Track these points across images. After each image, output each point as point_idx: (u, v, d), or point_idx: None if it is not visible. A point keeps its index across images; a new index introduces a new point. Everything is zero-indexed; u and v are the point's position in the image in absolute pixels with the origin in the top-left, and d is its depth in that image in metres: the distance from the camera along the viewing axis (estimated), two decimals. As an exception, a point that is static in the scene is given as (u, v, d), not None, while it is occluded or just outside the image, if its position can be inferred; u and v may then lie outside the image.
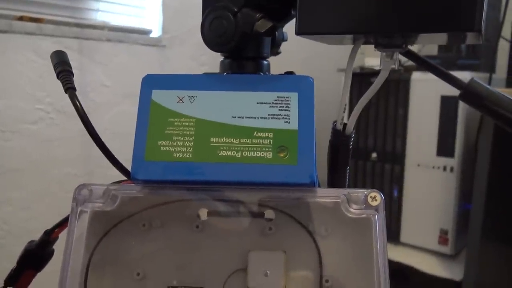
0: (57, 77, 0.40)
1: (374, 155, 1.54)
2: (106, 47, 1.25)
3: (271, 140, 0.32)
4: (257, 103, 0.34)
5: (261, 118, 0.33)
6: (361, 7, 0.38)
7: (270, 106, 0.33)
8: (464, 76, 1.35)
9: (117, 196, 0.32)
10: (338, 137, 0.45)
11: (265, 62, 0.49)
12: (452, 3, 0.35)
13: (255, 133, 0.33)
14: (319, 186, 0.37)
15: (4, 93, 1.06)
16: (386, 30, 0.38)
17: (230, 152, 0.32)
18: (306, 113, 0.33)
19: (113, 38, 1.26)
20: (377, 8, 0.38)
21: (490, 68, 1.32)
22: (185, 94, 0.34)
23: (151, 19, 1.38)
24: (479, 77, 1.30)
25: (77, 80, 1.20)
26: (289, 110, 0.33)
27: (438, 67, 0.47)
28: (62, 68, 0.39)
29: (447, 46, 1.53)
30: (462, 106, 1.35)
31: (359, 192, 0.32)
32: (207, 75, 0.37)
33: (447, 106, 1.37)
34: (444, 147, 1.37)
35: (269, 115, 0.33)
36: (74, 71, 1.21)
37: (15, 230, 1.11)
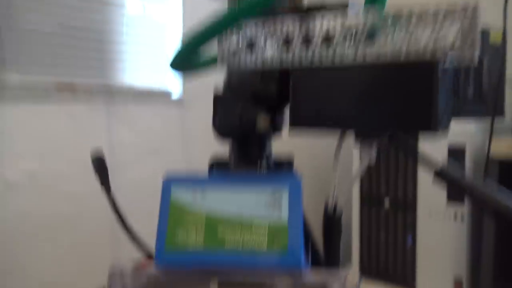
0: (95, 172, 0.48)
1: (386, 203, 1.58)
2: (132, 109, 1.37)
3: (267, 231, 0.40)
4: (255, 199, 0.41)
5: (258, 212, 0.41)
6: (344, 110, 0.46)
7: (265, 202, 0.41)
8: (468, 126, 1.40)
9: (143, 278, 0.40)
10: (329, 217, 0.52)
11: (267, 148, 0.58)
12: (415, 112, 0.43)
13: (254, 224, 0.40)
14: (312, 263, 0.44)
15: (43, 155, 1.17)
16: (362, 128, 0.47)
17: (234, 241, 0.40)
18: (295, 207, 0.41)
19: (138, 100, 1.38)
20: (355, 110, 0.46)
21: (493, 113, 1.37)
22: (198, 192, 0.42)
23: (172, 81, 1.50)
24: (484, 125, 1.36)
25: (105, 141, 1.33)
26: (281, 204, 0.41)
27: (416, 151, 0.54)
28: (99, 165, 0.48)
29: (454, 92, 1.59)
30: (468, 154, 1.39)
31: (341, 276, 0.39)
32: (216, 175, 0.45)
33: (454, 155, 1.41)
34: (454, 193, 1.41)
35: (264, 210, 0.41)
36: (103, 132, 1.34)
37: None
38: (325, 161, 1.73)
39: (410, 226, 1.54)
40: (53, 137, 1.19)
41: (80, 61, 1.26)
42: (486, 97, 1.65)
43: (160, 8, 1.47)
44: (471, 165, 1.40)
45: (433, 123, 0.42)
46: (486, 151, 1.36)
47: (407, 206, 1.54)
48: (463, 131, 1.41)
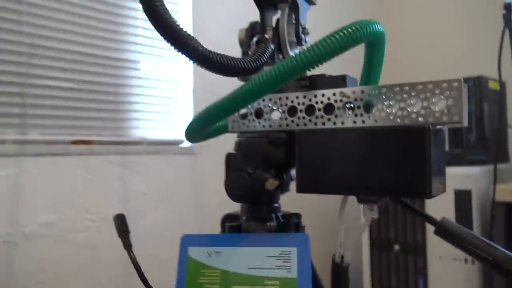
0: (119, 235, 0.52)
1: (396, 247, 1.59)
2: (144, 159, 1.42)
3: (277, 286, 0.43)
4: (266, 256, 0.45)
5: (269, 268, 0.44)
6: (344, 176, 0.51)
7: (276, 259, 0.45)
8: (473, 171, 1.43)
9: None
10: (337, 268, 0.56)
11: (276, 205, 0.62)
12: (409, 178, 0.47)
13: (265, 281, 0.44)
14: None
15: (59, 207, 1.22)
16: (362, 194, 0.51)
17: (246, 297, 0.43)
18: (304, 263, 0.44)
19: (150, 151, 1.44)
20: (354, 177, 0.50)
21: (495, 160, 1.40)
22: (213, 250, 0.46)
23: (182, 130, 1.56)
24: (489, 170, 1.38)
25: (119, 191, 1.39)
26: (290, 262, 0.44)
27: (416, 208, 0.57)
28: (122, 229, 0.52)
29: (457, 142, 1.64)
30: (475, 198, 1.42)
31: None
32: (229, 235, 0.49)
33: (461, 199, 1.44)
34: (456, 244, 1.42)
35: (276, 266, 0.44)
36: (117, 183, 1.39)
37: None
38: (334, 209, 1.75)
39: (421, 270, 1.54)
40: (70, 189, 1.24)
41: (96, 116, 1.33)
42: (489, 143, 1.70)
43: (172, 66, 1.56)
44: (477, 209, 1.42)
45: (427, 191, 0.45)
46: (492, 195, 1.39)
47: (417, 249, 1.54)
48: (469, 175, 1.44)
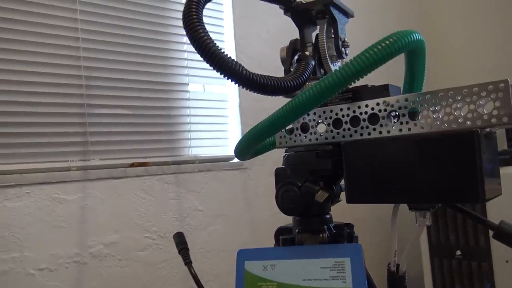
0: (179, 253, 0.56)
1: (458, 252, 1.53)
2: (198, 177, 1.47)
3: (333, 297, 0.44)
4: (321, 267, 0.46)
5: (324, 279, 0.45)
6: (394, 184, 0.51)
7: (330, 270, 0.46)
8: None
9: None
10: (393, 277, 0.56)
11: (328, 216, 0.63)
12: (461, 183, 0.47)
13: (321, 291, 0.45)
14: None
15: (121, 227, 1.28)
16: (412, 201, 0.51)
17: (304, 308, 0.44)
18: (358, 273, 0.45)
19: (203, 169, 1.48)
20: (404, 185, 0.50)
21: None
22: (268, 264, 0.48)
23: (232, 147, 1.60)
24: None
25: (176, 209, 1.44)
26: (345, 272, 0.45)
27: (472, 212, 0.56)
28: (182, 246, 0.55)
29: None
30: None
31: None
32: (283, 248, 0.50)
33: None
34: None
35: (330, 276, 0.45)
36: (173, 201, 1.45)
37: None
38: (388, 216, 1.71)
39: (487, 275, 1.47)
40: (130, 209, 1.31)
41: (150, 139, 1.40)
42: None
43: (218, 86, 1.61)
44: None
45: (481, 196, 0.45)
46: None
47: (481, 254, 1.48)
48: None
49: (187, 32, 0.47)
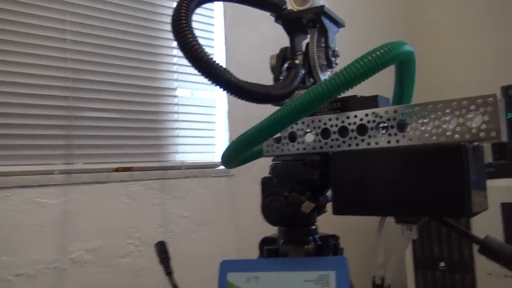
0: (160, 262, 0.54)
1: (442, 264, 1.54)
2: (184, 183, 1.45)
3: (317, 311, 0.43)
4: (304, 280, 0.45)
5: (308, 293, 0.44)
6: (381, 196, 0.50)
7: (314, 283, 0.45)
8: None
9: None
10: (378, 290, 0.55)
11: (313, 227, 0.62)
12: (448, 197, 0.46)
13: (305, 305, 0.44)
14: None
15: (103, 233, 1.26)
16: (399, 215, 0.50)
17: (287, 321, 0.43)
18: (343, 287, 0.44)
19: (189, 175, 1.47)
20: (391, 198, 0.49)
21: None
22: (251, 275, 0.47)
23: (219, 153, 1.59)
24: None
25: (160, 215, 1.41)
26: (329, 286, 0.44)
27: (457, 226, 0.56)
28: (163, 256, 0.54)
29: (501, 153, 1.58)
30: (524, 213, 1.35)
31: None
32: (267, 259, 0.49)
33: (509, 212, 1.38)
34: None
35: (314, 290, 0.44)
36: (157, 207, 1.42)
37: None
38: (374, 228, 1.71)
39: (470, 287, 1.48)
40: (113, 215, 1.29)
41: (136, 143, 1.38)
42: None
43: (207, 92, 1.60)
44: (527, 223, 1.35)
45: (467, 210, 0.45)
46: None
47: (464, 266, 1.48)
48: (515, 187, 1.38)
49: (175, 37, 0.46)
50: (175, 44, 1.47)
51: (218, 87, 0.47)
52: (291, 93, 0.52)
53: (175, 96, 1.49)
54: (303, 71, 0.56)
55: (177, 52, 1.49)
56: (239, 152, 0.54)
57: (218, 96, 1.62)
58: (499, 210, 1.40)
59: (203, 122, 1.57)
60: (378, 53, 0.43)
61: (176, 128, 1.49)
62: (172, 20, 0.46)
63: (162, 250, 0.57)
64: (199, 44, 0.46)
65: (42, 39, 1.20)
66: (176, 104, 1.49)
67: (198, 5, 0.49)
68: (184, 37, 0.45)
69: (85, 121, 1.27)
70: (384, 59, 0.43)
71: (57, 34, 1.23)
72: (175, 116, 1.49)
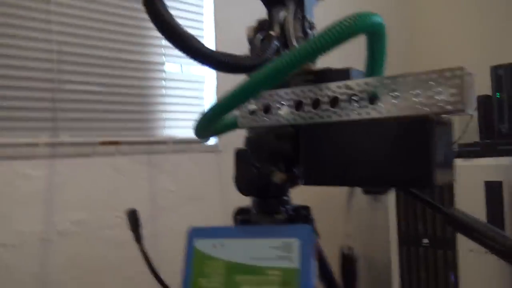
0: (130, 230, 0.55)
1: (425, 240, 1.56)
2: (172, 158, 1.46)
3: (279, 277, 0.44)
4: (269, 247, 0.46)
5: (272, 259, 0.45)
6: (349, 167, 0.51)
7: (278, 249, 0.46)
8: (503, 162, 1.39)
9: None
10: (346, 260, 0.56)
11: (286, 198, 0.63)
12: (413, 168, 0.47)
13: (267, 271, 0.45)
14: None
15: (89, 206, 1.27)
16: (366, 185, 0.51)
17: (249, 286, 0.44)
18: (306, 254, 0.45)
19: (177, 150, 1.47)
20: (360, 169, 0.50)
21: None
22: (218, 242, 0.47)
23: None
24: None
25: (147, 189, 1.42)
26: (292, 253, 0.45)
27: (424, 197, 0.57)
28: (134, 224, 0.55)
29: (488, 132, 1.59)
30: (506, 190, 1.37)
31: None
32: (235, 227, 0.50)
33: (492, 191, 1.39)
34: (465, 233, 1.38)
35: (277, 256, 0.45)
36: (144, 181, 1.43)
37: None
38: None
39: (452, 264, 1.51)
40: (99, 188, 1.29)
41: (123, 118, 1.37)
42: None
43: (196, 67, 1.59)
44: (509, 200, 1.37)
45: (432, 180, 0.45)
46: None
47: (447, 243, 1.51)
48: (499, 166, 1.40)
49: (145, 5, 0.46)
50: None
51: (188, 56, 0.47)
52: (263, 64, 0.52)
53: (163, 71, 1.48)
54: (277, 43, 0.55)
55: (165, 25, 1.47)
56: (209, 122, 0.54)
57: (207, 72, 1.61)
58: (483, 188, 1.41)
59: (192, 98, 1.57)
60: (347, 23, 0.43)
61: (164, 103, 1.48)
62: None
63: (133, 218, 0.57)
64: (168, 12, 0.45)
65: (26, 9, 1.18)
66: (164, 79, 1.48)
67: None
68: (153, 5, 0.45)
69: (70, 94, 1.26)
70: (352, 29, 0.43)
71: (43, 5, 1.21)
72: (163, 91, 1.48)
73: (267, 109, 0.60)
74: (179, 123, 1.53)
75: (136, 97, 1.41)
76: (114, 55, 1.35)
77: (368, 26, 0.43)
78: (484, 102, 1.60)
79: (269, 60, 0.54)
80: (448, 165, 0.51)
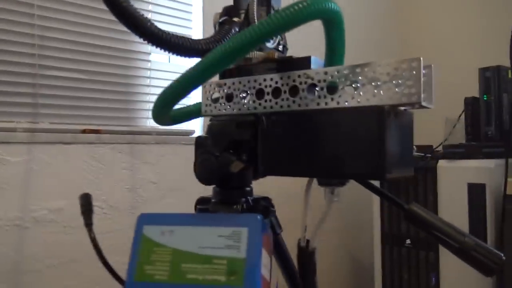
0: (81, 214, 0.54)
1: (408, 241, 1.56)
2: (154, 149, 1.45)
3: (225, 266, 0.43)
4: (218, 236, 0.45)
5: (219, 248, 0.44)
6: (305, 158, 0.50)
7: (226, 238, 0.45)
8: (487, 165, 1.38)
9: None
10: (303, 252, 0.55)
11: (248, 189, 0.62)
12: (366, 159, 0.46)
13: (214, 260, 0.44)
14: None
15: (68, 194, 1.26)
16: (320, 176, 0.50)
17: (194, 275, 0.43)
18: (254, 244, 0.44)
19: (160, 141, 1.46)
20: (317, 159, 0.49)
21: (507, 153, 1.35)
22: (166, 229, 0.47)
23: (193, 122, 1.58)
24: (503, 164, 1.33)
25: (128, 179, 1.41)
26: (240, 242, 0.44)
27: (383, 191, 0.56)
28: (86, 208, 0.54)
29: (474, 135, 1.58)
30: (489, 192, 1.36)
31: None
32: (185, 214, 0.49)
33: (475, 193, 1.39)
34: (476, 234, 1.38)
35: (225, 245, 0.44)
36: (126, 171, 1.41)
37: (70, 314, 1.25)
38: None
39: (433, 265, 1.50)
40: (79, 176, 1.28)
41: (105, 106, 1.36)
42: (509, 135, 1.62)
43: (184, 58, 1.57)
44: (491, 203, 1.36)
45: (384, 173, 0.44)
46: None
47: (429, 244, 1.50)
48: (483, 168, 1.39)
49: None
50: (150, 7, 1.45)
51: (141, 38, 0.46)
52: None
53: (148, 61, 1.47)
54: (236, 28, 0.54)
55: (151, 15, 1.46)
56: (163, 107, 0.53)
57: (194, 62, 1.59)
58: (466, 190, 1.41)
59: (178, 89, 1.55)
60: (299, 5, 0.42)
61: (148, 93, 1.47)
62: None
63: (85, 202, 0.56)
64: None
65: (8, -7, 1.17)
66: (149, 69, 1.47)
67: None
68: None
69: (52, 80, 1.25)
70: (305, 12, 0.42)
71: (25, -11, 1.20)
72: (147, 81, 1.47)
73: (230, 98, 0.59)
74: (164, 114, 1.51)
75: (120, 86, 1.40)
76: (98, 42, 1.33)
77: (321, 12, 0.42)
78: (471, 104, 1.59)
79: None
80: (406, 160, 0.50)
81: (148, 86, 1.47)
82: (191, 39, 0.48)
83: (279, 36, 0.60)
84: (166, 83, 1.48)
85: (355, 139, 0.47)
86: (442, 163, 1.48)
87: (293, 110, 0.52)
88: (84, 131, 1.29)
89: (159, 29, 0.45)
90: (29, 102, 1.22)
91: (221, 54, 0.43)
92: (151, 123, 1.48)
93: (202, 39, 0.49)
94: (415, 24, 2.32)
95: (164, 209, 1.46)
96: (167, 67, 1.54)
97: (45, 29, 1.23)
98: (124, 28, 1.35)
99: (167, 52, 0.47)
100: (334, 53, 0.50)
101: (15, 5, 1.18)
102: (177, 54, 0.47)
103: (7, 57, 1.17)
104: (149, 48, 1.46)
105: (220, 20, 0.56)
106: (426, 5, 2.29)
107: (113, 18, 1.38)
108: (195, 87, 0.49)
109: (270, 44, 0.61)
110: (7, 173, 1.16)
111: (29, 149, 1.20)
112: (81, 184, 1.29)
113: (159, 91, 1.46)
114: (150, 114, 1.46)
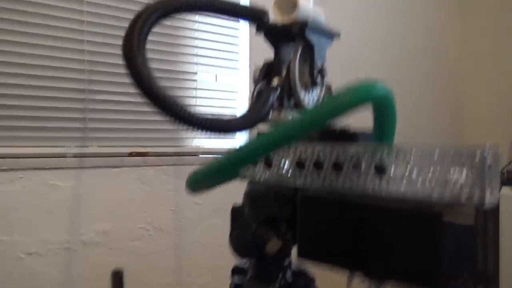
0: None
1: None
2: (199, 170, 1.43)
3: None
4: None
5: None
6: (349, 249, 0.45)
7: None
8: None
9: None
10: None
11: (286, 263, 0.57)
12: (416, 261, 0.40)
13: None
14: None
15: (114, 216, 1.28)
16: (368, 273, 0.45)
17: None
18: None
19: (205, 161, 1.44)
20: (361, 253, 0.44)
21: None
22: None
23: (239, 139, 1.55)
24: None
25: (172, 201, 1.40)
26: None
27: None
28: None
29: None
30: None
31: None
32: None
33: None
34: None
35: None
36: (170, 193, 1.40)
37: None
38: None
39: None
40: (125, 199, 1.30)
41: (152, 128, 1.37)
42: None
43: (230, 77, 1.55)
44: None
45: (439, 283, 0.39)
46: None
47: (488, 278, 1.39)
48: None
49: (126, 66, 0.42)
50: (197, 26, 1.43)
51: (172, 120, 0.43)
52: (254, 124, 0.47)
53: (195, 81, 1.45)
54: (275, 97, 0.50)
55: (199, 34, 1.44)
56: (212, 181, 0.51)
57: (240, 81, 1.56)
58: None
59: (223, 107, 1.53)
60: (350, 94, 0.37)
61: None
62: (123, 46, 0.42)
63: (117, 280, 0.55)
64: (151, 73, 0.42)
65: (59, 20, 1.19)
66: (195, 89, 1.46)
67: (155, 23, 0.44)
68: (136, 68, 0.41)
69: (100, 105, 1.27)
70: (355, 101, 0.38)
71: (75, 16, 1.22)
72: (194, 101, 1.46)
73: (269, 163, 0.55)
74: (208, 134, 1.50)
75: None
76: (145, 65, 1.33)
77: (375, 97, 0.38)
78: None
79: (261, 119, 0.49)
80: (465, 273, 0.44)
81: (194, 105, 1.46)
82: (223, 119, 0.44)
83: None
84: (213, 102, 1.46)
85: (407, 241, 0.42)
86: (505, 191, 1.36)
87: (335, 188, 0.48)
88: (130, 154, 1.30)
89: (191, 112, 0.42)
90: (78, 126, 1.24)
91: (266, 144, 0.40)
92: (196, 143, 1.47)
93: (235, 119, 0.46)
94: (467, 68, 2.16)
95: (209, 230, 1.45)
96: (214, 85, 1.52)
97: (94, 54, 1.25)
98: (170, 49, 1.34)
99: (201, 132, 0.44)
100: (384, 132, 0.45)
101: (67, 32, 1.20)
102: (212, 134, 0.44)
103: (57, 83, 1.20)
104: (196, 67, 1.45)
105: (258, 88, 0.51)
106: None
107: (159, 39, 1.37)
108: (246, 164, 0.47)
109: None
110: (56, 198, 1.19)
111: (78, 174, 1.22)
112: (127, 207, 1.30)
113: (205, 110, 1.46)
114: (195, 133, 1.45)
